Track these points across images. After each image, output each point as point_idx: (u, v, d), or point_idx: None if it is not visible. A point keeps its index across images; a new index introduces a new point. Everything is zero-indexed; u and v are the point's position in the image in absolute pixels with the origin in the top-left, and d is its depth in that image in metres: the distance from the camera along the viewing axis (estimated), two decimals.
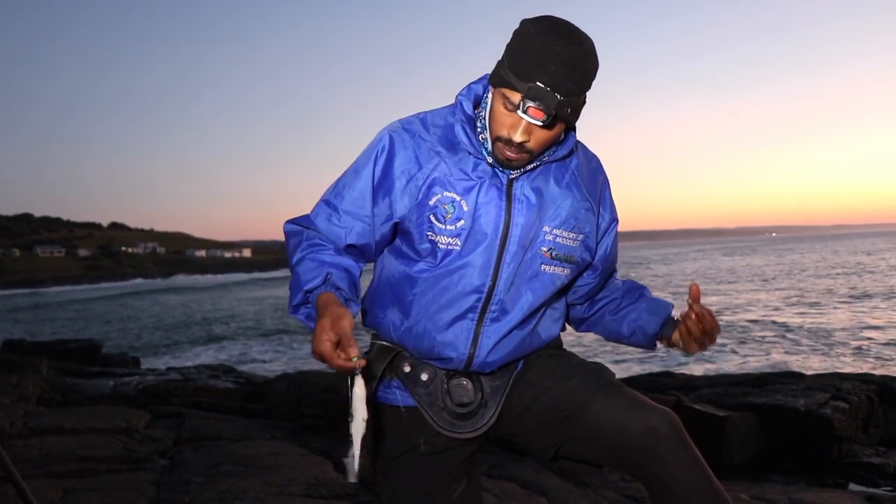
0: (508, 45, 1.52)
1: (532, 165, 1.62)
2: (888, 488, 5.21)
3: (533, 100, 1.45)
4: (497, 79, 1.53)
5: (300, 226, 1.70)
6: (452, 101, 1.68)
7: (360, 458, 1.45)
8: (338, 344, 1.40)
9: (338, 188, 1.69)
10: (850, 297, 29.72)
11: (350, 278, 1.61)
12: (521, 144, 1.52)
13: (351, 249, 1.68)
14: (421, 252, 1.64)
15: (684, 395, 7.12)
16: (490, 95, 1.59)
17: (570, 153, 1.69)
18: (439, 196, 1.60)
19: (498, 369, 1.70)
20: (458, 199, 1.60)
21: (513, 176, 1.62)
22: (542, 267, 1.64)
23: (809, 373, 9.13)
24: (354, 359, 1.39)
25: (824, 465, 5.85)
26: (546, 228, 1.63)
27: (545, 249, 1.64)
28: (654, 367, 13.65)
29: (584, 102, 1.54)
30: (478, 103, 1.65)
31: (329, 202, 1.68)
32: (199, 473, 4.46)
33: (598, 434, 1.60)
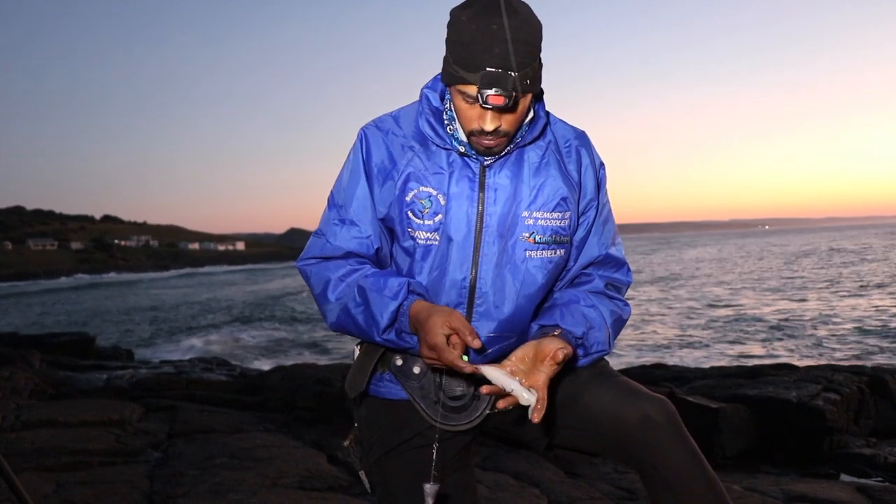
0: (447, 41, 1.49)
1: (505, 151, 1.59)
2: (879, 479, 5.24)
3: (489, 87, 1.42)
4: (448, 77, 1.51)
5: (315, 259, 1.67)
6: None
7: (529, 394, 1.44)
8: (448, 340, 1.45)
9: (342, 202, 1.67)
10: (843, 288, 29.84)
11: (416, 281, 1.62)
12: (495, 130, 1.50)
13: (378, 256, 1.67)
14: (407, 250, 1.63)
15: (677, 386, 7.15)
16: (450, 92, 1.57)
17: (543, 132, 1.66)
18: (415, 191, 1.59)
19: (492, 362, 1.68)
20: (434, 193, 1.59)
21: (487, 163, 1.59)
22: (528, 253, 1.61)
23: (801, 365, 9.17)
24: (466, 358, 1.43)
25: (816, 456, 5.89)
26: (525, 213, 1.61)
27: (527, 235, 1.60)
28: (648, 359, 13.70)
29: (540, 66, 1.51)
30: (444, 95, 1.63)
31: (343, 220, 1.65)
32: (193, 466, 4.45)
33: (593, 423, 1.58)
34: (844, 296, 27.37)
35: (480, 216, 1.58)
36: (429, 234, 1.59)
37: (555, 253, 1.64)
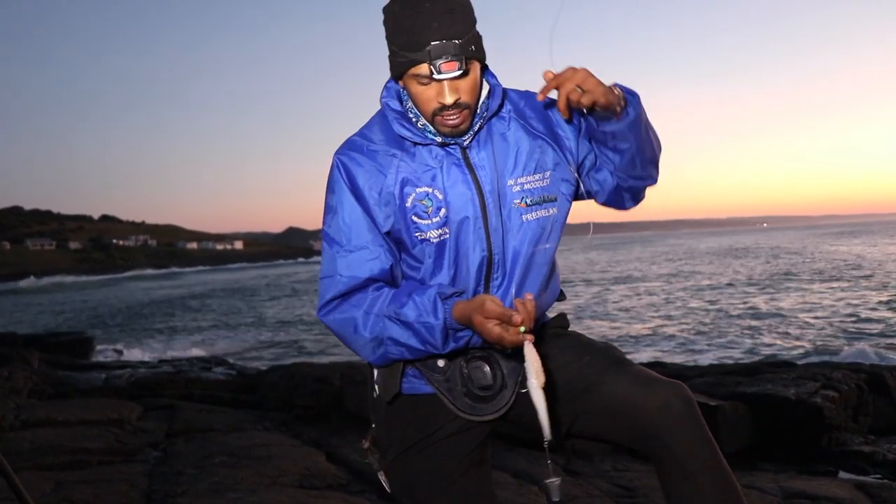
0: (387, 36, 1.56)
1: (477, 126, 1.63)
2: (877, 476, 5.25)
3: (439, 57, 1.47)
4: (398, 68, 1.55)
5: (334, 301, 1.64)
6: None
7: (547, 421, 1.48)
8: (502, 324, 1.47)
9: (340, 233, 1.64)
10: (838, 283, 29.84)
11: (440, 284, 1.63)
12: (456, 103, 1.53)
13: (393, 273, 1.66)
14: (418, 256, 1.65)
15: None
16: (404, 86, 1.61)
17: (503, 102, 1.70)
18: (413, 195, 1.61)
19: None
20: (430, 190, 1.61)
21: (465, 143, 1.62)
22: (524, 217, 1.65)
23: (800, 362, 9.18)
24: (522, 329, 1.46)
25: (815, 453, 5.89)
26: (510, 182, 1.65)
27: (518, 201, 1.65)
28: (646, 357, 13.71)
29: (480, 36, 1.56)
30: (401, 98, 1.66)
31: (347, 249, 1.63)
32: (192, 465, 4.46)
33: (611, 409, 1.61)
34: (835, 289, 27.35)
35: (481, 194, 1.62)
36: (439, 230, 1.62)
37: (548, 211, 1.69)
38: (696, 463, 1.53)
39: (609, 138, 1.62)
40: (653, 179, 1.77)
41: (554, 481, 1.55)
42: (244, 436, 5.39)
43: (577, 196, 1.77)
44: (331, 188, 1.66)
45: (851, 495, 3.94)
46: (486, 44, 1.59)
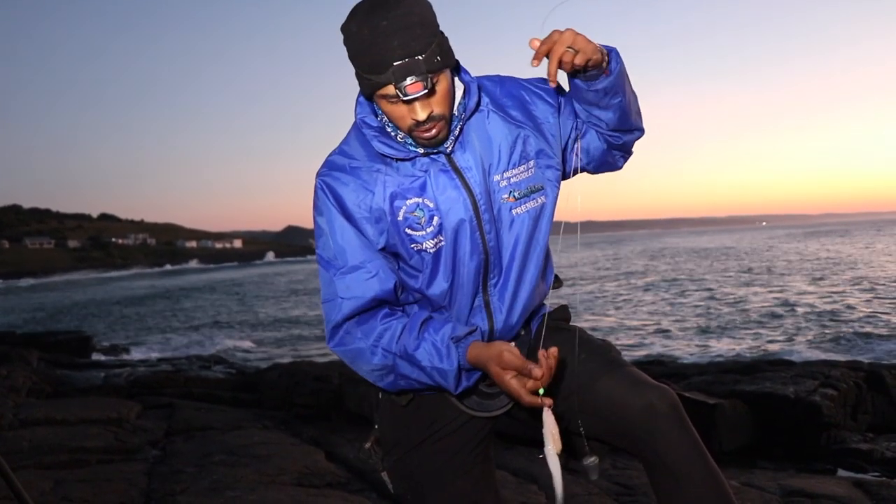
0: (349, 56, 1.51)
1: (457, 130, 1.60)
2: (876, 473, 5.26)
3: (403, 79, 1.43)
4: (366, 88, 1.52)
5: (342, 323, 1.62)
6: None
7: (561, 486, 1.49)
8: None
9: (335, 254, 1.62)
10: (831, 281, 29.86)
11: (450, 319, 1.63)
12: (430, 117, 1.50)
13: (396, 290, 1.65)
14: (415, 266, 1.64)
15: (675, 383, 7.16)
16: (375, 103, 1.58)
17: (480, 98, 1.66)
18: (404, 208, 1.59)
19: (518, 336, 1.72)
20: (421, 200, 1.59)
21: (448, 149, 1.60)
22: (514, 212, 1.64)
23: (799, 360, 9.19)
24: (542, 391, 1.45)
25: (813, 451, 5.90)
26: (497, 178, 1.63)
27: (506, 196, 1.63)
28: (645, 355, 13.72)
29: (444, 39, 1.51)
30: (376, 111, 1.63)
31: (344, 269, 1.61)
32: (191, 463, 4.46)
33: (601, 409, 1.61)
34: (831, 288, 27.36)
35: (472, 197, 1.60)
36: (434, 239, 1.60)
37: (536, 202, 1.67)
38: (682, 463, 1.52)
39: (601, 96, 1.60)
40: (641, 131, 1.76)
41: (593, 460, 1.57)
42: (243, 434, 5.40)
43: (565, 176, 1.76)
44: (318, 210, 1.63)
45: (850, 493, 3.95)
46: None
